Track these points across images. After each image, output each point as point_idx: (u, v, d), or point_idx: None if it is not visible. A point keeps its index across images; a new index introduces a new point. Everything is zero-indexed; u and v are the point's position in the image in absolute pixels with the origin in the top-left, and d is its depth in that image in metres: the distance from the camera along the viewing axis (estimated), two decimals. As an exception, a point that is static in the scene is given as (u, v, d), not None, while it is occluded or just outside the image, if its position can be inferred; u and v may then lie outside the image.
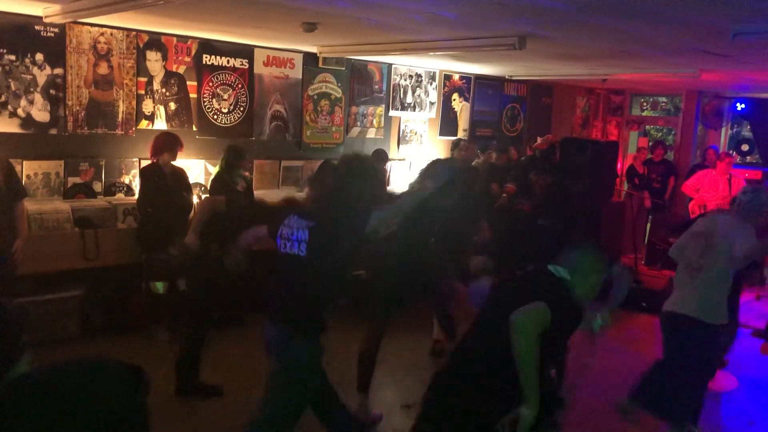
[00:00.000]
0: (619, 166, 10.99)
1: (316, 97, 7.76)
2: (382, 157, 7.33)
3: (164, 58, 6.55)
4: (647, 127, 12.50)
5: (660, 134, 12.69)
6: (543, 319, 2.59)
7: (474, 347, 2.85)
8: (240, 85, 7.12)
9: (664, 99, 11.83)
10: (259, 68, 7.24)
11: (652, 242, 10.03)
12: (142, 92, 6.43)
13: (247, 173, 6.58)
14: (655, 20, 4.35)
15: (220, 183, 5.81)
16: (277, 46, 7.27)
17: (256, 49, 7.19)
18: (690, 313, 4.15)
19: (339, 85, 7.93)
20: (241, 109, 7.17)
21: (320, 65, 7.67)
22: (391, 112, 8.49)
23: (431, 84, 8.93)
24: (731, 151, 10.52)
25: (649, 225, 10.22)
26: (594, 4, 4.00)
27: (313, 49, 7.39)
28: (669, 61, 6.55)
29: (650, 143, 10.85)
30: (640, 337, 6.83)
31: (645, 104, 11.92)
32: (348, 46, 6.97)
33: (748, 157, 10.98)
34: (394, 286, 4.51)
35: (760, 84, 8.44)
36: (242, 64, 7.12)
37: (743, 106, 10.33)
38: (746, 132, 11.19)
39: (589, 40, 5.36)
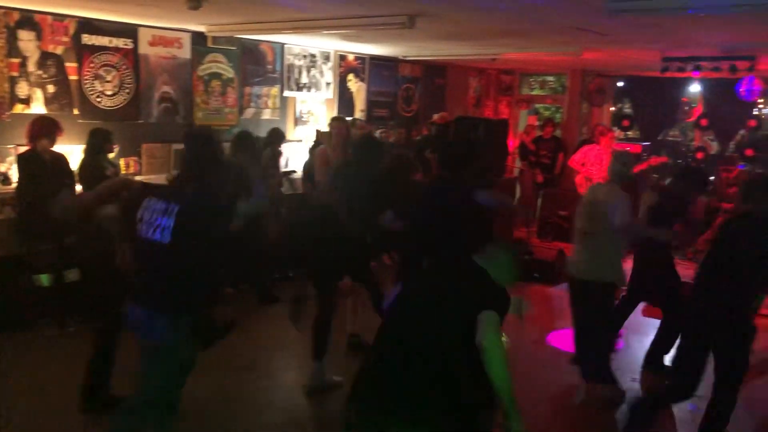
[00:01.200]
0: (510, 143, 11.37)
1: (206, 77, 7.53)
2: (279, 136, 7.26)
3: (39, 37, 6.15)
4: (536, 105, 12.98)
5: (549, 112, 13.21)
6: (498, 325, 2.60)
7: (410, 338, 2.70)
8: (125, 66, 6.81)
9: (551, 78, 12.30)
10: (144, 48, 6.94)
11: (544, 216, 10.47)
12: (16, 74, 6.02)
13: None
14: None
15: (88, 170, 5.54)
16: (163, 25, 6.99)
17: (140, 29, 6.88)
18: (582, 276, 4.47)
19: (231, 65, 7.74)
20: (127, 91, 6.86)
21: (210, 45, 7.45)
22: (286, 93, 8.38)
23: (326, 64, 8.87)
24: (614, 128, 11.07)
25: (540, 200, 10.64)
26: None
27: (201, 28, 7.16)
28: (552, 40, 6.81)
29: (540, 121, 11.27)
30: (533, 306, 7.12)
31: (534, 83, 12.36)
32: (237, 25, 6.80)
33: (629, 133, 11.60)
34: (331, 258, 4.54)
35: (639, 62, 8.92)
36: (126, 44, 6.80)
37: (623, 84, 10.91)
38: (627, 109, 11.81)
39: (476, 18, 5.49)
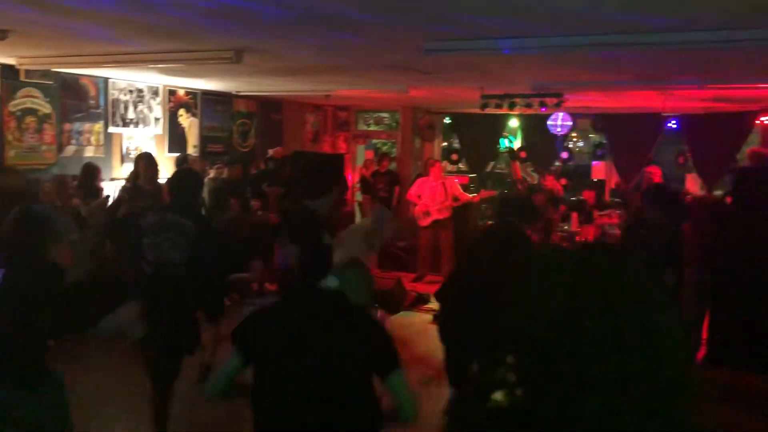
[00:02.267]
0: (350, 177, 11.61)
1: (19, 113, 6.99)
2: (93, 172, 6.89)
3: None
4: (374, 140, 13.38)
5: (386, 147, 13.65)
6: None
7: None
8: None
9: (385, 114, 12.75)
10: (-56, 81, 6.34)
11: (383, 247, 10.72)
12: None
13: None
14: (358, 35, 4.67)
15: None
16: (-34, 57, 6.43)
17: (-62, 60, 6.28)
18: None
19: (47, 100, 7.24)
20: (-77, 127, 6.20)
21: (22, 79, 6.93)
22: (111, 129, 7.98)
23: (155, 99, 8.58)
24: (444, 161, 11.64)
25: (379, 231, 10.90)
26: (298, 16, 4.16)
27: (11, 61, 6.65)
28: (378, 78, 7.08)
29: (375, 156, 11.62)
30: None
31: (369, 119, 12.73)
32: (52, 58, 6.40)
33: (460, 165, 12.25)
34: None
35: (461, 99, 9.49)
36: None
37: (450, 120, 11.55)
38: (456, 144, 12.49)
39: (301, 55, 5.58)
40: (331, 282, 2.62)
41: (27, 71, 6.87)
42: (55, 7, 4.03)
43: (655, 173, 8.72)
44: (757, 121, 9.20)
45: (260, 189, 8.23)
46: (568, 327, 1.04)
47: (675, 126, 9.94)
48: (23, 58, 6.54)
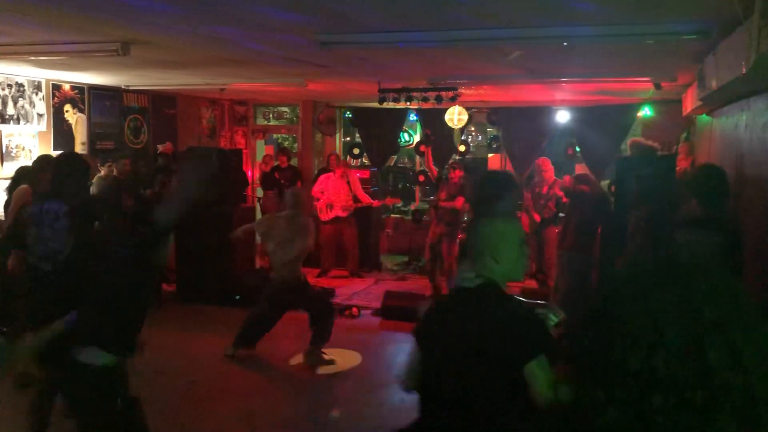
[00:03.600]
0: (249, 173, 11.40)
1: None
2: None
3: None
4: (275, 135, 13.20)
5: (287, 142, 13.50)
6: None
7: None
8: None
9: (285, 109, 12.60)
10: None
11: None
12: None
13: None
14: (250, 27, 4.58)
15: None
16: None
17: None
18: None
19: None
20: None
21: None
22: (-12, 127, 7.48)
23: (37, 94, 8.10)
24: (347, 158, 11.64)
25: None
26: (186, 8, 4.04)
27: None
28: (275, 71, 6.98)
29: (276, 151, 11.47)
30: (274, 332, 7.16)
31: (269, 114, 12.55)
32: None
33: (363, 159, 12.30)
34: None
35: (361, 94, 9.53)
36: None
37: (350, 114, 11.57)
38: (357, 138, 12.52)
39: (192, 46, 5.42)
40: None
41: None
42: None
43: (544, 164, 9.08)
44: (639, 113, 9.75)
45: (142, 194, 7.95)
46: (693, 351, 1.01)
47: (566, 118, 10.37)
48: None
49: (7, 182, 7.13)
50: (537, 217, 9.00)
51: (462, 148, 11.04)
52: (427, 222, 9.93)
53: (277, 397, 5.46)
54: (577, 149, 10.43)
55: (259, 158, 11.93)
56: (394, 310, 7.62)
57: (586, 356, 1.11)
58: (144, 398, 4.74)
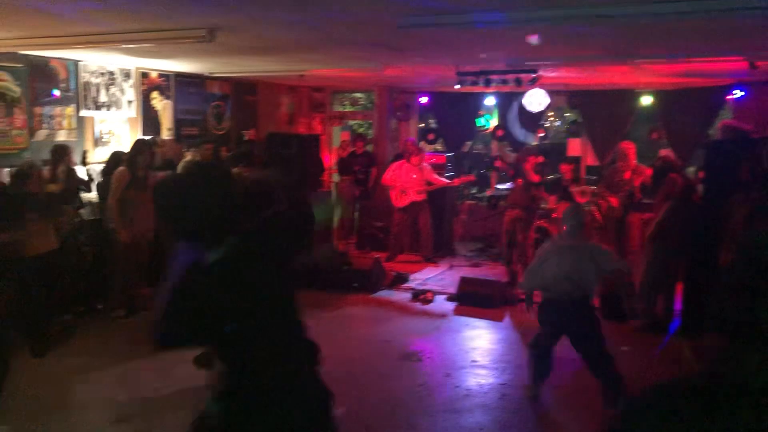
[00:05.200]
0: (326, 159, 11.57)
1: (-13, 97, 6.86)
2: (62, 151, 6.94)
3: None
4: (350, 121, 13.32)
5: (362, 128, 13.61)
6: None
7: None
8: None
9: (361, 95, 12.70)
10: None
11: (361, 228, 10.75)
12: None
13: None
14: (328, 12, 4.63)
15: None
16: (-69, 40, 6.28)
17: None
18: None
19: (17, 83, 7.11)
20: None
21: (-10, 61, 6.80)
22: (83, 112, 7.86)
23: (127, 81, 8.45)
24: (421, 141, 11.63)
25: (357, 213, 10.92)
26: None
27: (-23, 43, 6.52)
28: (353, 56, 7.03)
29: (351, 137, 11.58)
30: (350, 313, 7.27)
31: (345, 100, 12.68)
32: (21, 39, 6.27)
33: (437, 146, 12.27)
34: None
35: (437, 78, 9.48)
36: None
37: (426, 99, 11.53)
38: (432, 123, 12.49)
39: (275, 32, 5.53)
40: None
41: (-6, 54, 6.74)
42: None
43: (630, 149, 8.80)
44: (729, 96, 9.31)
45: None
46: None
47: (650, 102, 10.01)
48: (-11, 40, 6.41)
49: (101, 166, 7.53)
50: (615, 203, 8.74)
51: (540, 133, 10.84)
52: (503, 207, 9.82)
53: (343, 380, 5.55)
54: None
55: (335, 144, 12.08)
56: (469, 297, 7.59)
57: (740, 323, 1.22)
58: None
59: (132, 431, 4.44)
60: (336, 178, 11.30)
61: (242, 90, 10.49)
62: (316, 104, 12.25)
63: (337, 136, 12.35)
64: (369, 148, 11.44)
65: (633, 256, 8.02)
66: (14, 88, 7.09)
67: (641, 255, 7.21)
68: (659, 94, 9.88)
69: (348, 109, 12.81)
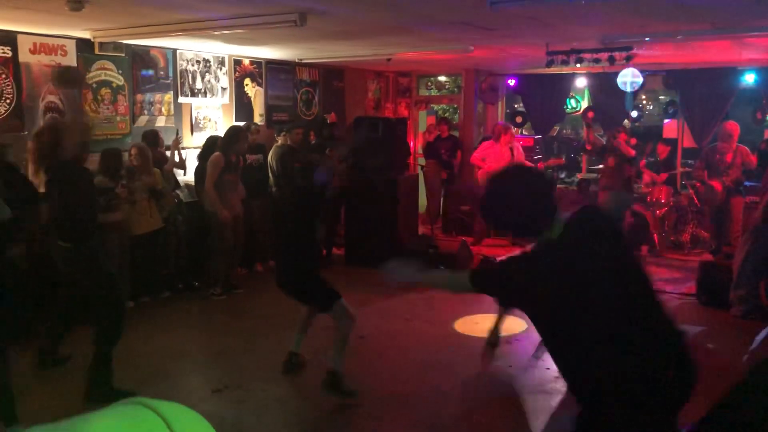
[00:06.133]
0: (411, 143, 11.59)
1: (95, 85, 7.27)
2: (155, 139, 7.29)
3: None
4: (434, 106, 13.28)
5: (447, 113, 13.53)
6: None
7: None
8: (3, 76, 6.47)
9: (447, 79, 12.63)
10: (25, 56, 6.63)
11: (447, 212, 10.73)
12: None
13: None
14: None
15: None
16: (45, 32, 6.70)
17: (19, 36, 6.56)
18: None
19: (120, 72, 7.50)
20: (8, 101, 6.52)
21: (97, 52, 7.19)
22: (181, 99, 8.20)
23: (221, 69, 8.75)
24: (508, 124, 11.46)
25: (443, 197, 10.90)
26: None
27: (86, 35, 6.91)
28: (441, 37, 7.00)
29: (437, 120, 11.54)
30: (436, 296, 7.28)
31: (431, 85, 12.64)
32: (124, 29, 6.61)
33: (523, 130, 12.06)
34: None
35: (526, 59, 9.29)
36: (4, 53, 6.47)
37: (514, 81, 11.34)
38: (519, 107, 12.27)
39: (364, 13, 5.57)
40: None
41: (101, 44, 7.12)
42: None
43: (735, 129, 8.36)
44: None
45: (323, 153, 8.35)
46: None
47: (753, 81, 9.46)
48: (97, 31, 6.77)
49: (197, 150, 7.84)
50: (718, 186, 8.34)
51: (634, 113, 10.46)
52: (594, 191, 9.55)
53: (445, 354, 5.58)
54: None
55: (421, 129, 12.08)
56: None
57: None
58: (317, 349, 5.05)
59: (231, 399, 4.63)
60: (421, 162, 11.30)
61: (330, 76, 10.65)
62: (402, 89, 12.28)
63: (423, 120, 12.35)
64: (455, 132, 11.37)
65: (735, 242, 7.65)
66: (118, 77, 7.48)
67: (742, 240, 6.85)
68: (764, 71, 9.32)
69: (434, 93, 12.77)
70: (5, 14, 5.68)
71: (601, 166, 9.56)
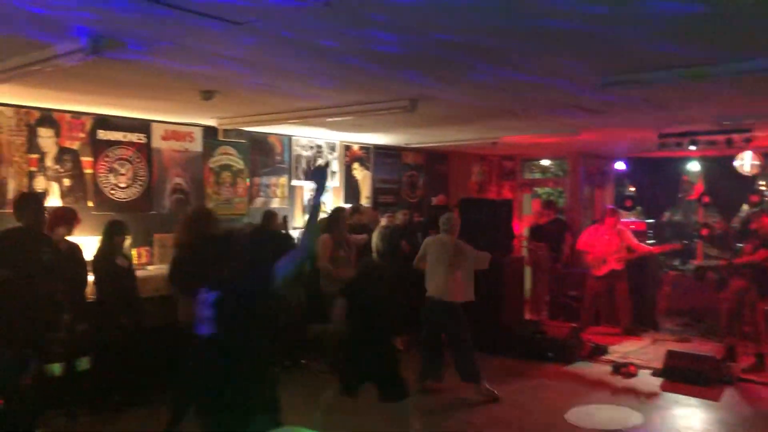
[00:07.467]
0: (516, 226, 11.47)
1: (217, 169, 7.77)
2: (271, 218, 7.46)
3: (57, 134, 6.43)
4: (538, 189, 13.18)
5: (552, 196, 13.40)
6: None
7: None
8: (138, 160, 7.05)
9: (551, 164, 12.59)
10: (157, 142, 7.21)
11: (554, 296, 10.41)
12: (34, 169, 6.24)
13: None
14: (529, 72, 4.68)
15: (101, 260, 5.66)
16: (176, 120, 7.28)
17: (153, 124, 7.18)
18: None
19: (240, 157, 7.99)
20: (140, 183, 7.06)
21: (220, 138, 7.72)
22: (294, 182, 8.59)
23: (332, 154, 9.14)
24: (616, 207, 11.16)
25: (549, 281, 10.61)
26: (467, 55, 4.28)
27: (212, 122, 7.45)
28: (549, 121, 7.02)
29: (542, 204, 11.40)
30: (546, 384, 6.99)
31: (535, 168, 12.61)
32: (246, 117, 7.08)
33: (632, 214, 11.72)
34: None
35: (636, 142, 9.14)
36: (140, 139, 7.07)
37: (623, 165, 11.12)
38: (629, 191, 11.98)
39: (472, 98, 5.70)
40: None
41: (224, 131, 7.65)
42: (263, 65, 4.49)
43: None
44: None
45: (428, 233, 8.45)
46: None
47: None
48: (223, 119, 7.29)
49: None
50: None
51: (754, 199, 9.96)
52: (714, 279, 9.03)
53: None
54: None
55: (526, 211, 11.98)
56: (679, 372, 7.00)
57: None
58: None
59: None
60: (525, 244, 11.13)
61: (434, 160, 10.87)
62: (506, 172, 12.30)
63: (528, 203, 12.26)
64: (561, 215, 11.18)
65: None
66: (238, 161, 7.96)
67: None
68: None
69: (537, 176, 12.73)
70: (143, 104, 6.24)
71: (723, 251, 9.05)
